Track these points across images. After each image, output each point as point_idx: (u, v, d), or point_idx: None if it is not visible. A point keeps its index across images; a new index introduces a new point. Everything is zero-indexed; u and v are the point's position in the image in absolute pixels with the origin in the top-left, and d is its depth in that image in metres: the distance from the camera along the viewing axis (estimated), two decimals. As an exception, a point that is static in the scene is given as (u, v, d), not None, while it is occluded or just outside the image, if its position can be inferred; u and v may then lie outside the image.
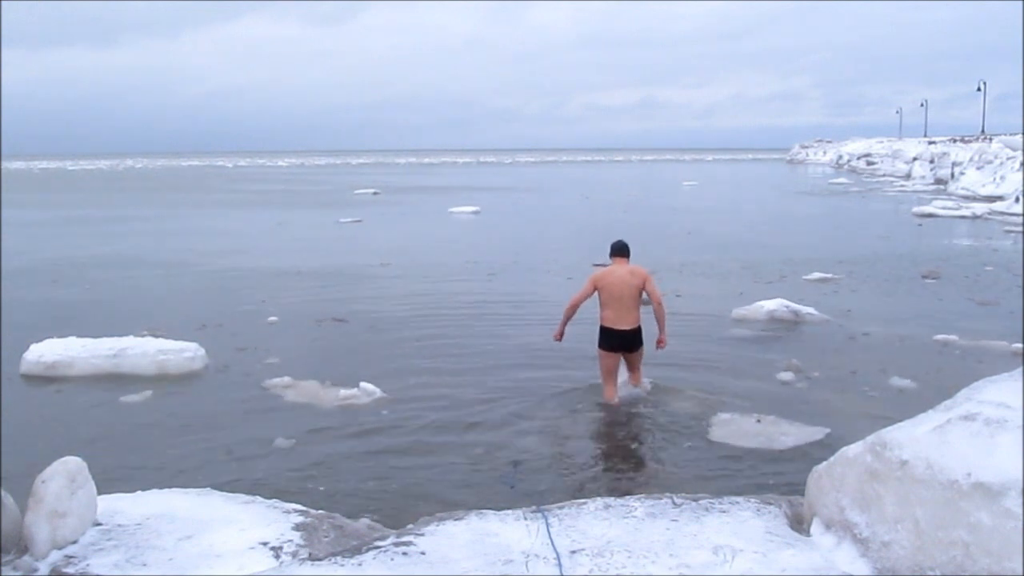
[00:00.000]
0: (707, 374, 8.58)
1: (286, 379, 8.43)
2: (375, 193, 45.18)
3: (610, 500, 3.76)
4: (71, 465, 3.69)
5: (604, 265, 8.22)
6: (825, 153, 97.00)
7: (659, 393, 7.91)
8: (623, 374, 7.83)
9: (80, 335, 9.23)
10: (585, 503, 3.74)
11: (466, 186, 53.46)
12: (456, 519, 3.62)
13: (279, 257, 18.50)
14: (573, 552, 3.20)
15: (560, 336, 7.82)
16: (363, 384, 8.03)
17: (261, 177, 75.85)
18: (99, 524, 3.75)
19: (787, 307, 11.12)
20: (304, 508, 4.17)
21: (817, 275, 14.78)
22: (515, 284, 14.65)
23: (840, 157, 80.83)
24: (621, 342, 7.54)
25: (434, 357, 9.44)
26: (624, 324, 7.52)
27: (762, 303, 11.23)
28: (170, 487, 4.41)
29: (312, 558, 3.38)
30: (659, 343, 7.66)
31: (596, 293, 7.62)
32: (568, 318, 7.72)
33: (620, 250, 7.78)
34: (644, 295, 7.61)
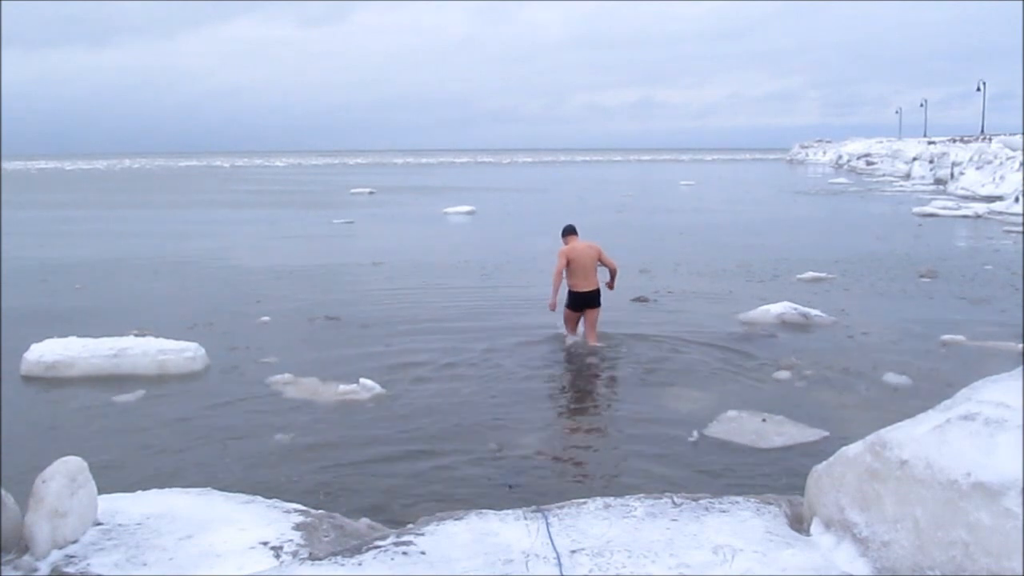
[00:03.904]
0: (706, 373, 8.59)
1: (287, 376, 8.45)
2: (371, 193, 45.26)
3: (610, 500, 3.76)
4: (72, 464, 3.69)
5: None
6: (825, 153, 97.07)
7: (657, 391, 7.93)
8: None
9: (70, 335, 9.20)
10: (585, 503, 3.74)
11: (462, 186, 53.39)
12: (456, 519, 3.62)
13: (271, 257, 18.48)
14: (573, 552, 3.20)
15: (555, 306, 9.56)
16: (362, 380, 8.06)
17: (258, 177, 75.78)
18: (99, 524, 3.75)
19: (795, 310, 10.95)
20: (304, 508, 4.17)
21: (810, 274, 14.80)
22: (507, 283, 14.66)
23: (840, 157, 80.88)
24: (585, 301, 9.47)
25: (429, 354, 9.46)
26: (587, 287, 9.45)
27: (768, 307, 11.12)
28: (170, 487, 4.40)
29: (312, 558, 3.38)
30: (609, 285, 9.75)
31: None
32: (557, 289, 9.47)
33: (573, 230, 9.86)
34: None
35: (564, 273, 9.48)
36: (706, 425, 6.98)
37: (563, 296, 9.65)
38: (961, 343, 9.68)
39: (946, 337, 9.87)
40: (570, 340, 9.71)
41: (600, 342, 9.54)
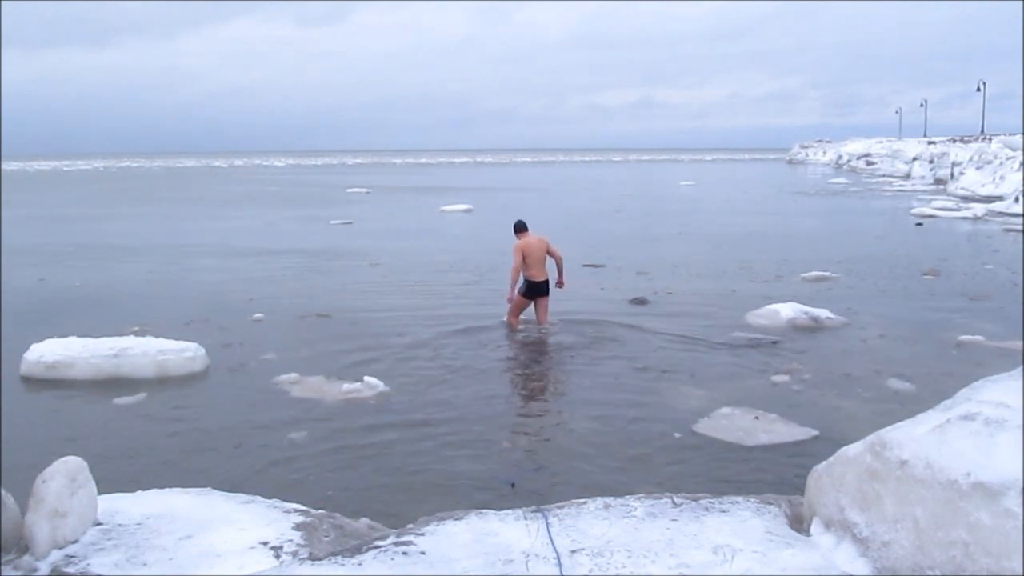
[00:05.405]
0: (706, 373, 8.58)
1: (293, 375, 8.46)
2: (367, 192, 45.30)
3: (610, 500, 3.76)
4: (72, 464, 3.69)
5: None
6: (825, 153, 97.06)
7: (654, 390, 7.94)
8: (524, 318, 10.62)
9: (70, 334, 9.18)
10: (585, 503, 3.74)
11: (461, 186, 53.28)
12: (456, 519, 3.62)
13: (266, 257, 18.45)
14: (573, 552, 3.21)
15: (513, 298, 10.42)
16: (367, 378, 8.08)
17: (256, 177, 75.73)
18: (99, 524, 3.75)
19: (806, 313, 10.81)
20: (304, 508, 4.17)
21: (814, 273, 14.77)
22: (502, 282, 14.63)
23: (840, 157, 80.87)
24: (538, 289, 10.40)
25: (425, 352, 9.48)
26: (541, 276, 10.41)
27: (776, 308, 11.06)
28: (171, 486, 4.40)
29: (312, 558, 3.38)
30: (558, 284, 10.65)
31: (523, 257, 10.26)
32: (515, 283, 10.38)
33: (524, 226, 10.69)
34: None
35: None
36: (697, 421, 6.99)
37: (519, 285, 10.51)
38: (979, 343, 9.61)
39: (963, 337, 9.82)
40: (516, 333, 10.27)
41: (553, 325, 10.53)
